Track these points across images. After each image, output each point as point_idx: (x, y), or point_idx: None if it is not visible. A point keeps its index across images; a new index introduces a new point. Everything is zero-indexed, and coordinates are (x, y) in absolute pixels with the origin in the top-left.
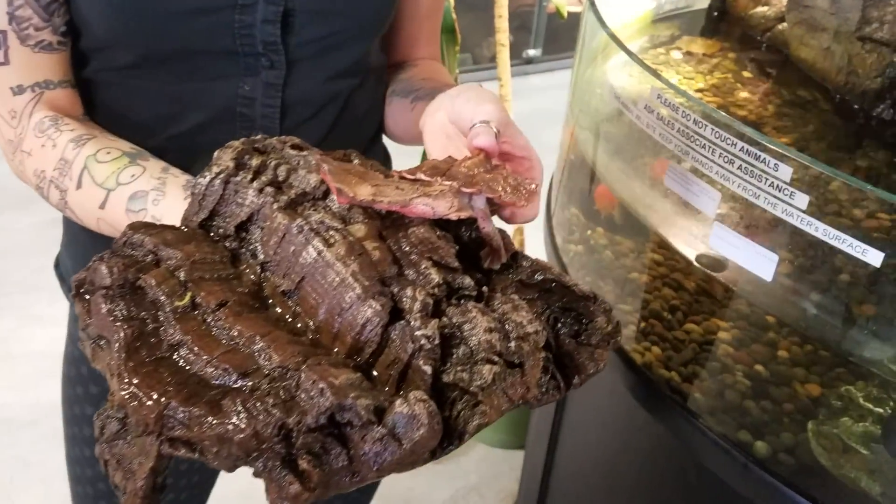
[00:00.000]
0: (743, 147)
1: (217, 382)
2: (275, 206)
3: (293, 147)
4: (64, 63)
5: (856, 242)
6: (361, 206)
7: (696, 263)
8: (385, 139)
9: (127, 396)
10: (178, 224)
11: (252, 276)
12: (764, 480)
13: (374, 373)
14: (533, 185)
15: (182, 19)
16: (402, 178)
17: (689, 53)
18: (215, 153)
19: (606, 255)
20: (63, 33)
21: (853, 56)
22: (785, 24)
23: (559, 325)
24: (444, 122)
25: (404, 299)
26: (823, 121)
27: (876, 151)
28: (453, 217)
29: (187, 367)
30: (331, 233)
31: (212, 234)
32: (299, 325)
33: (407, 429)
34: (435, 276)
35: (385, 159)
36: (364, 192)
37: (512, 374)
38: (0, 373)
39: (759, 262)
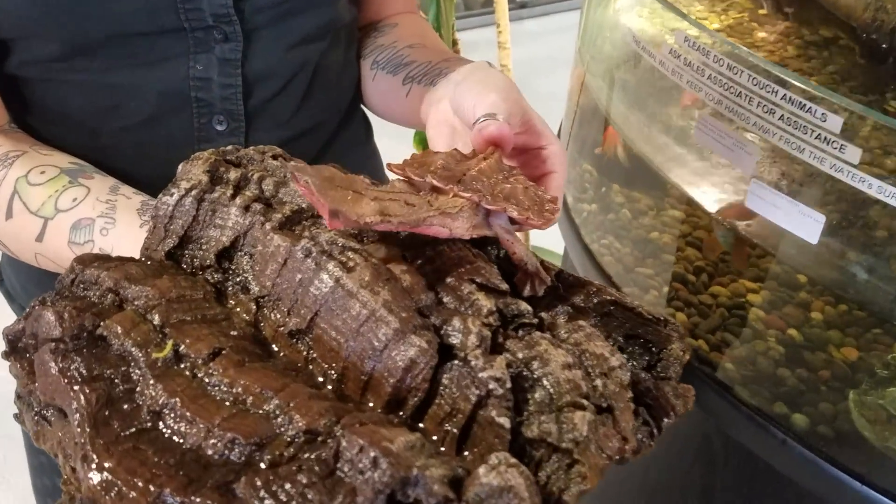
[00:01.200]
0: (786, 95)
1: (223, 458)
2: (267, 226)
3: (275, 157)
4: None
5: None
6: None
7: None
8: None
9: (100, 487)
10: (136, 257)
11: (245, 316)
12: (804, 456)
13: (424, 430)
14: (554, 197)
15: (114, 3)
16: (408, 182)
17: None
18: (179, 167)
19: (623, 215)
20: None
21: None
22: None
23: (624, 356)
24: (449, 113)
25: (452, 333)
26: (848, 62)
27: None
28: (467, 237)
29: (179, 441)
30: (348, 254)
31: (184, 266)
32: (316, 375)
33: None
34: (485, 303)
35: (366, 128)
36: (367, 211)
37: (604, 421)
38: None
39: (803, 224)
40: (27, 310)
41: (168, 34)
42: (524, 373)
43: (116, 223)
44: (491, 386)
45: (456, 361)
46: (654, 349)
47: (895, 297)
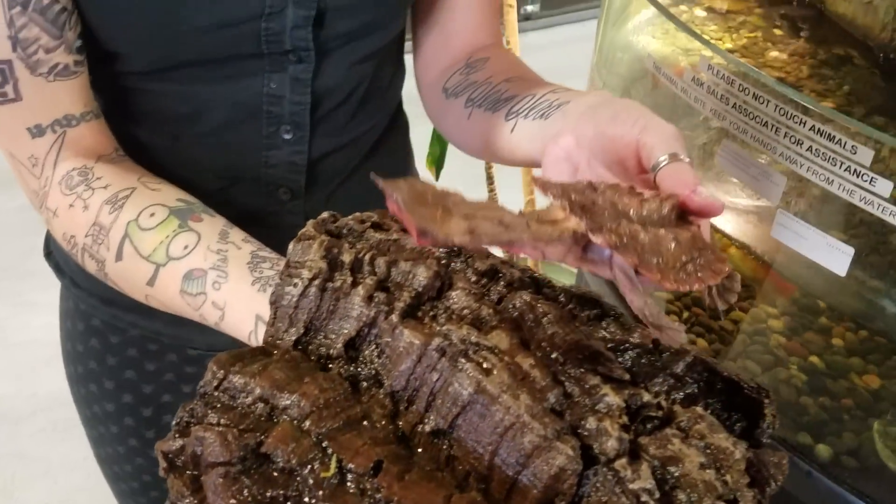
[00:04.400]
0: (814, 126)
1: None
2: (393, 317)
3: (374, 227)
4: (84, 89)
5: None
6: (455, 251)
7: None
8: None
9: None
10: (244, 327)
11: (380, 410)
12: (830, 489)
13: None
14: (723, 262)
15: (204, 32)
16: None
17: (711, 10)
18: (290, 247)
19: None
20: (79, 50)
21: None
22: None
23: (741, 442)
24: (571, 148)
25: (590, 434)
26: (865, 82)
27: None
28: (571, 264)
29: None
30: (483, 353)
31: (311, 357)
32: (459, 474)
33: None
34: (613, 399)
35: (406, 125)
36: (456, 230)
37: None
38: None
39: (831, 256)
40: (176, 422)
41: (247, 57)
42: (663, 476)
43: (228, 277)
44: (643, 498)
45: (602, 468)
46: (748, 415)
47: None
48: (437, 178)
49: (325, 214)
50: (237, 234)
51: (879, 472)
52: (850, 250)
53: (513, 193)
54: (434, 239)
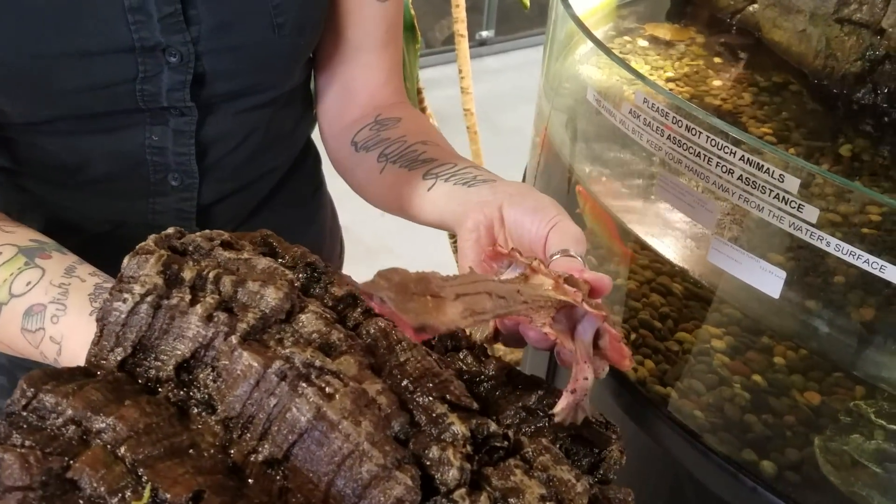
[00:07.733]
0: (743, 156)
1: None
2: (233, 338)
3: (224, 246)
4: None
5: (872, 258)
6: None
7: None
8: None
9: None
10: (82, 361)
11: (210, 438)
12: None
13: None
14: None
15: (78, 93)
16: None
17: (654, 39)
18: (125, 261)
19: (588, 261)
20: None
21: (831, 39)
22: (756, 6)
23: (584, 476)
24: (492, 219)
25: (432, 463)
26: (801, 107)
27: (858, 138)
28: (547, 332)
29: None
30: (326, 378)
31: (139, 380)
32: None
33: None
34: (459, 428)
35: (313, 161)
36: (455, 316)
37: None
38: None
39: (764, 279)
40: None
41: (126, 112)
42: None
43: (67, 310)
44: None
45: (441, 499)
46: (595, 450)
47: (856, 349)
48: None
49: (170, 229)
50: (85, 269)
51: (821, 485)
52: (783, 274)
53: None
54: (435, 331)
